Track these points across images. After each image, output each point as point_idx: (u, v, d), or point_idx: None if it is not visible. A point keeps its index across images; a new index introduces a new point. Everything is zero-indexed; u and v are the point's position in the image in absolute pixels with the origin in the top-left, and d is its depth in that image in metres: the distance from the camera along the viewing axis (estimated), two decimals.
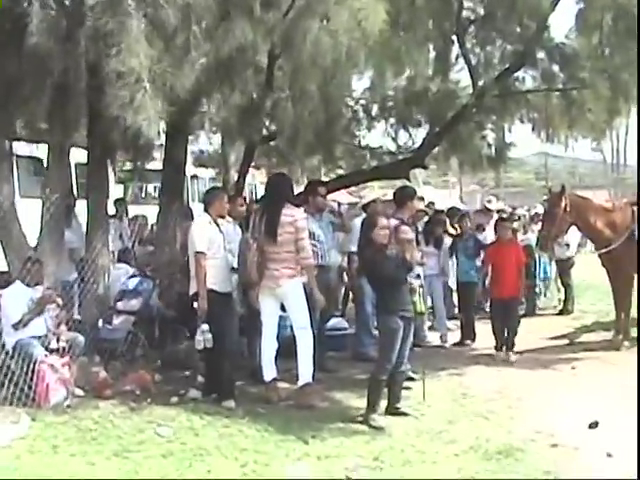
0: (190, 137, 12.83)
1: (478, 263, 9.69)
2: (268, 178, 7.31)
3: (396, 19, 6.96)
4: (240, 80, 7.71)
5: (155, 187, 15.55)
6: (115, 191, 16.78)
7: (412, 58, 8.01)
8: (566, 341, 9.46)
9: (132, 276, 8.77)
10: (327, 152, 10.06)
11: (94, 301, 8.03)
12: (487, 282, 9.16)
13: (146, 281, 8.58)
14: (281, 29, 7.08)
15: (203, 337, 6.61)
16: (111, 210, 12.47)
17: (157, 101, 5.81)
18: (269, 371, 6.77)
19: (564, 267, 11.87)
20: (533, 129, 10.54)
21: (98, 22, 5.62)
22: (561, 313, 11.71)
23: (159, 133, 5.90)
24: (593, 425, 5.75)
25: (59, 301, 7.17)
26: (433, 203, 13.49)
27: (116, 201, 11.60)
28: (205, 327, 6.61)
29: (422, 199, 16.95)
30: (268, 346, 6.78)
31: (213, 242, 6.72)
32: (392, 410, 6.27)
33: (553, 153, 47.21)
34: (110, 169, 16.30)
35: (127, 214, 12.87)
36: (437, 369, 7.98)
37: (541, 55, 9.37)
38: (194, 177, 16.03)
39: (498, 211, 13.22)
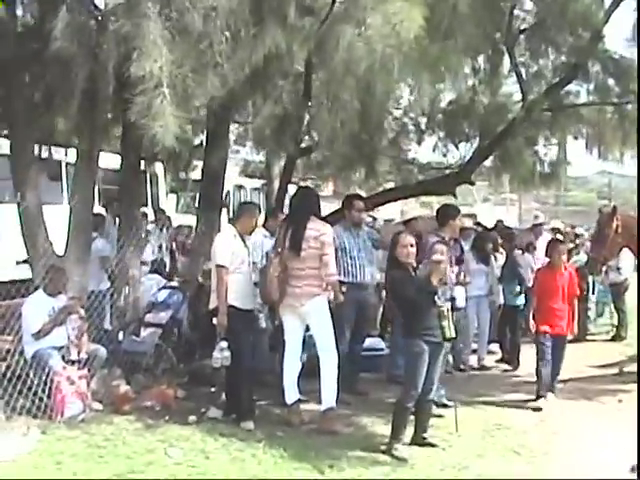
0: (236, 147, 12.80)
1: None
2: (294, 192, 7.01)
3: (437, 26, 6.55)
4: (274, 88, 7.43)
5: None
6: (168, 202, 16.97)
7: (454, 68, 7.56)
8: (615, 370, 8.86)
9: (163, 287, 8.62)
10: (369, 165, 9.69)
11: (121, 312, 7.83)
12: (532, 311, 7.70)
13: (177, 293, 8.41)
14: (317, 36, 6.80)
15: (221, 355, 6.35)
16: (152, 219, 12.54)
17: (176, 108, 5.57)
18: (291, 393, 6.46)
19: (617, 291, 11.28)
20: (587, 146, 9.98)
21: (118, 25, 5.42)
22: (613, 339, 11.10)
23: (191, 141, 5.64)
24: (635, 469, 5.25)
25: (81, 312, 7.01)
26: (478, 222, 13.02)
27: (156, 210, 11.46)
28: (223, 344, 6.35)
29: (474, 216, 16.58)
30: (291, 367, 6.47)
31: (237, 256, 6.46)
32: (418, 440, 5.89)
33: (617, 172, 45.99)
34: (162, 179, 16.59)
35: (170, 224, 12.83)
36: (473, 395, 7.57)
37: (595, 67, 8.82)
38: (240, 187, 15.89)
39: (553, 229, 12.68)
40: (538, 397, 7.23)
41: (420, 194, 11.19)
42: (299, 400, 6.46)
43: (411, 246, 5.88)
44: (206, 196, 9.25)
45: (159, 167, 15.52)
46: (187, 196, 17.21)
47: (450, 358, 8.05)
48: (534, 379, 8.08)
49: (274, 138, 8.55)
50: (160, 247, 11.81)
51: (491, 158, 11.24)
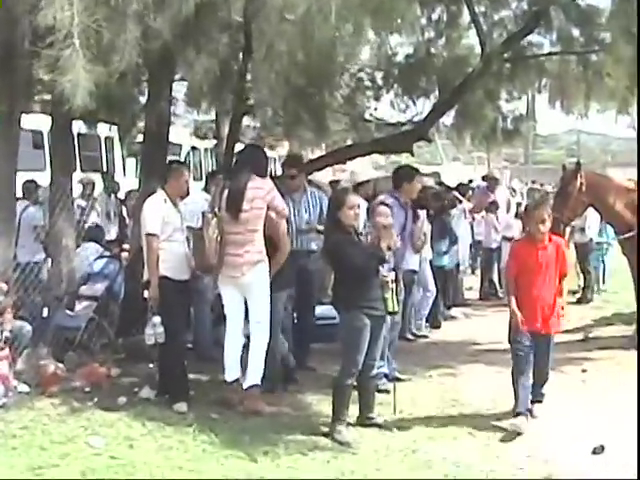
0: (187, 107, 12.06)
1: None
2: (240, 150, 6.41)
3: None
4: (210, 41, 6.79)
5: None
6: (129, 166, 16.28)
7: (403, 15, 6.99)
8: (580, 336, 8.46)
9: (99, 257, 8.04)
10: (319, 123, 9.08)
11: (45, 286, 7.27)
12: (513, 303, 5.55)
13: (113, 263, 7.85)
14: None
15: (154, 331, 5.84)
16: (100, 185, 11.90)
17: (88, 62, 4.96)
18: (232, 371, 5.91)
19: (582, 252, 10.91)
20: (549, 100, 9.47)
21: None
22: (579, 302, 10.72)
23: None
24: (598, 450, 4.83)
25: (3, 287, 6.44)
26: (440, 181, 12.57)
27: (103, 175, 10.78)
28: (156, 320, 5.83)
29: (436, 175, 16.11)
30: (232, 342, 5.91)
31: (168, 223, 5.91)
32: (364, 421, 5.43)
33: (586, 130, 45.75)
34: (117, 142, 15.85)
35: (119, 189, 12.20)
36: (429, 367, 7.15)
37: (558, 16, 8.24)
38: (193, 149, 15.21)
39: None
40: (516, 415, 5.41)
41: (374, 152, 10.58)
42: (239, 379, 5.95)
43: (357, 207, 5.37)
44: (147, 159, 8.61)
45: (114, 130, 14.78)
46: None
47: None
48: (497, 346, 7.75)
49: (213, 95, 7.92)
50: (108, 214, 11.25)
51: (453, 114, 10.74)
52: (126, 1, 5.35)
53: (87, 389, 6.23)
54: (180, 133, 14.24)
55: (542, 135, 42.90)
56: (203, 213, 6.32)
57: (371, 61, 10.71)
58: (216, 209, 5.73)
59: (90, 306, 7.43)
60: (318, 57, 6.91)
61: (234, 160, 6.08)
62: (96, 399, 5.97)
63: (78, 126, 11.06)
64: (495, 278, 11.56)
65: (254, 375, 5.77)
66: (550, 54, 9.00)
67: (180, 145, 15.30)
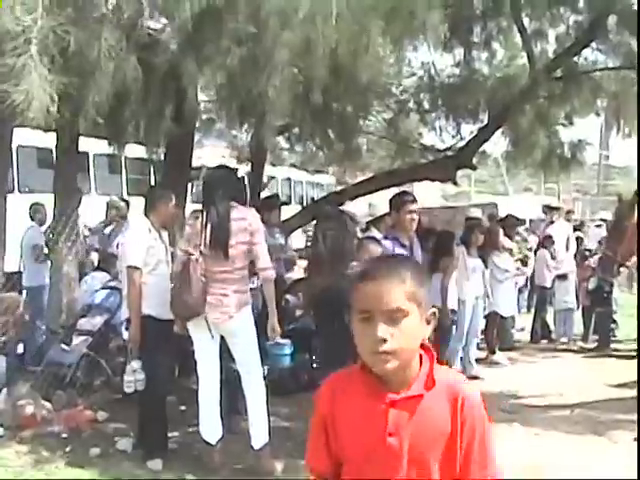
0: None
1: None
2: (207, 172, 5.68)
3: None
4: (219, 52, 6.18)
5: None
6: None
7: (426, 20, 6.19)
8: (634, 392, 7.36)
9: (102, 287, 7.44)
10: (348, 147, 8.37)
11: (17, 320, 6.71)
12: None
13: (114, 294, 7.23)
14: None
15: (134, 377, 5.17)
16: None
17: (50, 71, 4.38)
18: (210, 430, 5.10)
19: None
20: (606, 122, 8.48)
21: None
22: None
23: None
24: None
25: None
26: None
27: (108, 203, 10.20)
28: (136, 364, 5.17)
29: (492, 206, 15.11)
30: (208, 396, 5.12)
31: (152, 254, 5.25)
32: None
33: None
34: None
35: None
36: None
37: (614, 26, 7.25)
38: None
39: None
40: None
41: (414, 180, 9.76)
42: (222, 437, 5.17)
43: None
44: (167, 183, 8.05)
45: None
46: None
47: None
48: (540, 401, 6.84)
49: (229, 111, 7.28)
50: None
51: (507, 141, 9.88)
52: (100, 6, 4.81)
53: (64, 435, 5.61)
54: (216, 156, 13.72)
55: (616, 166, 40.90)
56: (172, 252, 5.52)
57: (416, 82, 10.01)
58: (201, 247, 4.98)
59: (86, 341, 6.84)
60: (316, 68, 6.21)
61: (206, 185, 5.28)
62: (68, 448, 5.35)
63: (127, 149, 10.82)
64: (550, 319, 10.55)
65: (261, 432, 5.03)
66: (606, 69, 8.00)
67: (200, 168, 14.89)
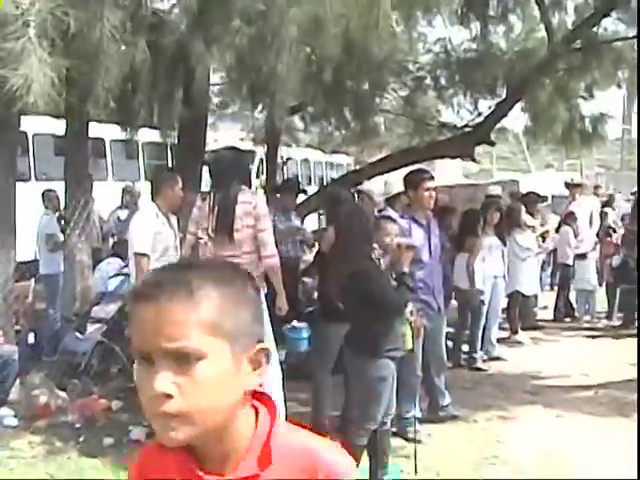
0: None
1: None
2: (215, 156, 5.54)
3: None
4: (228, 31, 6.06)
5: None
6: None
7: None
8: None
9: (116, 274, 7.37)
10: (363, 124, 8.20)
11: (26, 310, 6.66)
12: None
13: (128, 281, 7.14)
14: None
15: None
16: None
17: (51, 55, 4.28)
18: None
19: None
20: (628, 96, 8.19)
21: None
22: None
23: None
24: None
25: None
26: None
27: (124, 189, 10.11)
28: None
29: (513, 184, 14.83)
30: None
31: (160, 241, 5.14)
32: None
33: None
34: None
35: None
36: (477, 408, 6.10)
37: None
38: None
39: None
40: None
41: (432, 158, 9.56)
42: None
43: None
44: (181, 167, 7.95)
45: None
46: None
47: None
48: (562, 382, 6.68)
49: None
50: None
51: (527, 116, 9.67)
52: None
53: (78, 425, 5.56)
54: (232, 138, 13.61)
55: None
56: (183, 236, 5.39)
57: (432, 58, 9.82)
58: (207, 230, 4.86)
59: (100, 329, 6.78)
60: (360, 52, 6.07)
61: (213, 168, 5.15)
62: (82, 438, 5.29)
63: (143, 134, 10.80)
64: (573, 297, 10.35)
65: None
66: (627, 38, 7.70)
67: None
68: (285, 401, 5.06)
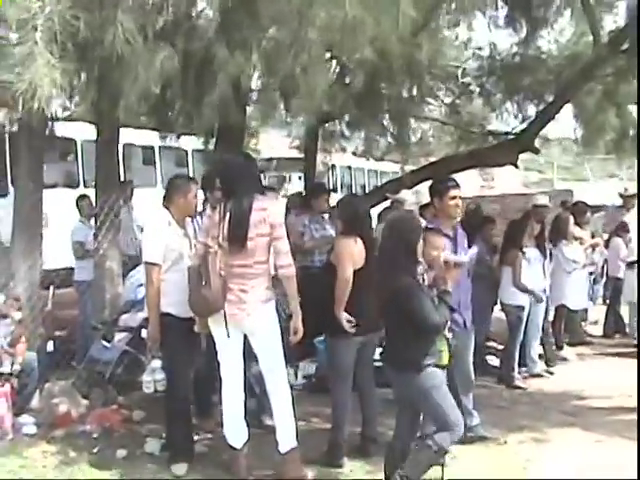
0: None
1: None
2: (223, 162, 5.35)
3: None
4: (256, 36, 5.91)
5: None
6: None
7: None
8: None
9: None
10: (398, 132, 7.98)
11: (45, 317, 6.63)
12: None
13: None
14: None
15: (152, 377, 4.98)
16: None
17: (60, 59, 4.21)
18: (235, 435, 4.82)
19: None
20: None
21: None
22: None
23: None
24: None
25: (14, 315, 5.84)
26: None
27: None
28: (156, 364, 4.97)
29: (567, 193, 14.35)
30: (232, 397, 4.81)
31: (172, 249, 4.98)
32: None
33: None
34: None
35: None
36: (511, 428, 5.79)
37: None
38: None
39: None
40: None
41: (473, 166, 9.24)
42: (248, 440, 4.91)
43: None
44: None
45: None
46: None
47: None
48: (605, 403, 6.32)
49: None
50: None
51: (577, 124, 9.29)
52: None
53: (95, 435, 5.48)
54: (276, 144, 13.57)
55: None
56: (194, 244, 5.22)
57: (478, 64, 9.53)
58: (218, 239, 4.69)
59: (127, 337, 6.71)
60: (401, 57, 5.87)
61: (223, 176, 4.97)
62: (96, 449, 5.20)
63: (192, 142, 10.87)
64: (626, 312, 9.86)
65: (288, 436, 4.73)
66: None
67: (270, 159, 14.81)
68: (295, 418, 4.82)
